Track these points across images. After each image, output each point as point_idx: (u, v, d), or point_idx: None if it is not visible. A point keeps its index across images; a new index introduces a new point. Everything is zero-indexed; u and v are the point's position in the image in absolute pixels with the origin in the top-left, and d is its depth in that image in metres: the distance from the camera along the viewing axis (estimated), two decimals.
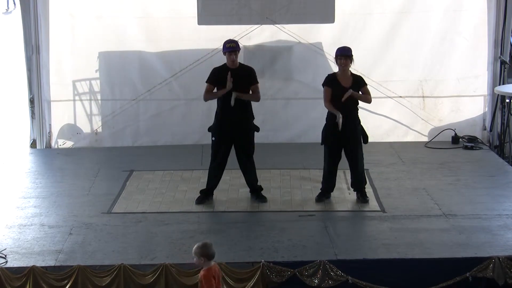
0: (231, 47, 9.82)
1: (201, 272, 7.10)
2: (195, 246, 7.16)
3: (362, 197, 9.99)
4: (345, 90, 9.65)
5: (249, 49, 12.65)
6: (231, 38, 12.27)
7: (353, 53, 9.75)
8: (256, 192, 10.08)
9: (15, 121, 12.97)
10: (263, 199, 10.02)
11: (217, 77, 9.82)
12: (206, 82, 9.91)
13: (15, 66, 12.73)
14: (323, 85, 9.87)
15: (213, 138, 9.97)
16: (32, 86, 12.62)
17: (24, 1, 12.32)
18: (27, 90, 12.71)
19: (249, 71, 9.90)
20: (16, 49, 12.62)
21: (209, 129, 10.03)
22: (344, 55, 9.69)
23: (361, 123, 9.95)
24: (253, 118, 9.98)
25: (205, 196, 10.06)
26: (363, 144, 10.01)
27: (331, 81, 9.81)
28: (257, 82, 9.93)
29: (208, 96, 9.90)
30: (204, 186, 10.13)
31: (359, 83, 9.81)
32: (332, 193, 10.18)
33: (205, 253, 7.07)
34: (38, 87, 12.60)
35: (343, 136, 9.78)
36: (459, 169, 11.39)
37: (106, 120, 12.92)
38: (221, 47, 12.22)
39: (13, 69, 12.78)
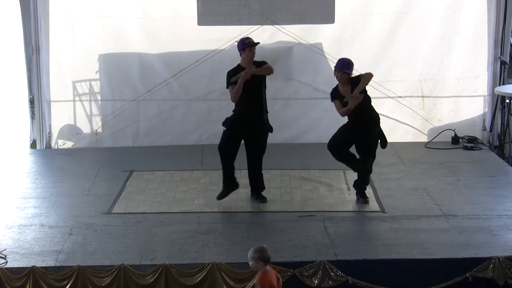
0: (250, 42, 9.72)
1: (258, 276, 7.05)
2: (252, 249, 7.07)
3: (362, 198, 9.98)
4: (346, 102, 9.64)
5: None
6: (232, 38, 12.35)
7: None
8: (257, 192, 10.08)
9: (15, 121, 12.96)
10: (263, 199, 10.02)
11: (233, 77, 9.73)
12: (227, 87, 9.78)
13: (15, 67, 12.72)
14: (332, 100, 9.80)
15: (225, 128, 9.85)
16: (32, 86, 12.64)
17: (24, 2, 12.33)
18: (27, 91, 12.71)
19: (263, 62, 9.82)
20: (16, 49, 12.61)
21: (223, 124, 9.91)
22: (341, 70, 9.63)
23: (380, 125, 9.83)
24: (267, 112, 9.88)
25: (230, 184, 9.91)
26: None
27: (336, 95, 9.76)
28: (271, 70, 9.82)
29: (234, 95, 9.69)
30: (205, 187, 10.12)
31: (356, 83, 9.77)
32: (332, 194, 10.17)
33: (262, 257, 7.01)
34: (38, 87, 12.61)
35: (360, 136, 9.73)
36: (459, 169, 11.39)
37: (106, 121, 12.92)
38: (221, 47, 12.29)
39: (13, 70, 12.76)
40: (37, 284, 7.98)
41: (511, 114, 12.32)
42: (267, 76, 12.69)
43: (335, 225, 9.23)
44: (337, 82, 9.72)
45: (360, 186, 10.00)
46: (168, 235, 8.95)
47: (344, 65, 9.63)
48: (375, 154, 9.91)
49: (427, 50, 12.82)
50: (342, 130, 9.82)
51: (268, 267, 7.06)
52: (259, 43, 9.84)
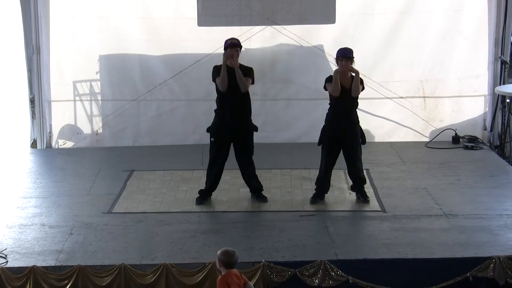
0: (232, 42, 9.80)
1: (218, 278, 7.08)
2: (220, 250, 7.09)
3: (362, 197, 9.97)
4: (344, 90, 9.64)
5: (250, 50, 12.65)
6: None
7: (354, 54, 9.71)
8: (257, 192, 10.08)
9: (15, 121, 12.97)
10: (263, 199, 10.02)
11: (219, 72, 9.79)
12: (213, 81, 9.85)
13: (15, 66, 12.73)
14: (326, 82, 9.81)
15: (212, 139, 9.96)
16: (32, 86, 12.64)
17: (24, 1, 12.33)
18: (27, 90, 12.72)
19: (247, 70, 9.84)
20: (16, 49, 12.62)
21: (208, 130, 10.02)
22: (345, 56, 9.65)
23: (360, 124, 9.94)
24: (250, 114, 9.91)
25: (205, 196, 10.06)
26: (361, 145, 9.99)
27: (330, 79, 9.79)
28: (251, 79, 9.82)
29: (221, 83, 9.71)
30: (204, 186, 10.12)
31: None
32: (332, 193, 10.18)
33: (223, 260, 7.02)
34: (39, 87, 12.62)
35: (343, 137, 9.77)
36: (459, 169, 11.39)
37: (107, 121, 12.92)
38: (222, 48, 12.25)
39: (14, 69, 12.78)
40: (37, 283, 7.98)
41: None
42: (267, 77, 12.77)
43: (335, 224, 9.24)
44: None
45: (359, 186, 9.99)
46: (168, 234, 8.95)
47: (346, 51, 9.66)
48: (361, 158, 9.94)
49: (428, 50, 12.82)
50: (325, 153, 9.89)
51: (232, 271, 7.03)
52: (241, 47, 9.84)
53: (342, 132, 9.75)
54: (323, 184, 9.99)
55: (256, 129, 9.99)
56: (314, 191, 10.03)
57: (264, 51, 12.80)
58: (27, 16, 12.35)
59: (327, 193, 10.06)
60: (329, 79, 9.77)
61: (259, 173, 10.19)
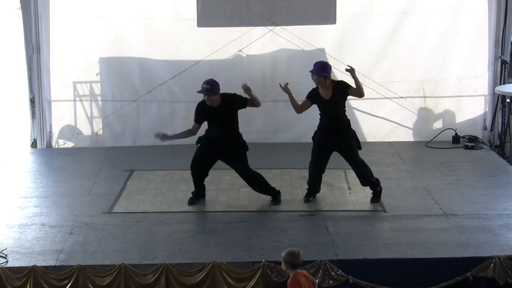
0: (204, 88, 9.53)
1: (289, 279, 7.10)
2: (285, 251, 7.13)
3: (378, 199, 9.92)
4: (325, 102, 9.64)
5: (250, 51, 12.65)
6: (232, 40, 12.32)
7: (329, 69, 9.61)
8: (272, 196, 9.99)
9: (15, 120, 12.98)
10: (276, 202, 9.94)
11: (201, 113, 9.73)
12: (194, 120, 9.82)
13: (15, 66, 12.75)
14: (306, 97, 9.83)
15: (198, 145, 9.89)
16: (32, 86, 12.64)
17: (24, 1, 12.33)
18: (27, 90, 12.72)
19: (232, 99, 9.65)
20: (16, 48, 12.63)
21: (197, 142, 9.95)
22: (317, 74, 9.58)
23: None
24: (241, 135, 9.81)
25: (196, 198, 10.01)
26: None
27: (312, 95, 9.77)
28: (247, 100, 9.68)
29: (189, 134, 9.87)
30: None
31: (341, 89, 9.71)
32: (332, 193, 10.17)
33: (289, 261, 7.06)
34: (39, 87, 12.61)
35: (337, 139, 9.72)
36: (459, 168, 11.39)
37: (107, 122, 12.90)
38: (222, 48, 12.27)
39: (14, 69, 12.80)
40: (37, 283, 7.99)
41: None
42: (268, 79, 12.75)
43: (335, 224, 9.24)
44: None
45: (367, 180, 9.93)
46: (168, 234, 8.95)
47: (320, 68, 9.61)
48: (361, 159, 9.88)
49: (428, 50, 12.81)
50: (313, 157, 9.89)
51: (300, 271, 7.08)
52: (214, 93, 9.53)
53: (333, 139, 9.72)
54: (310, 185, 10.00)
55: (246, 148, 9.80)
56: (307, 190, 10.06)
57: (265, 53, 12.78)
58: (27, 15, 12.35)
59: (318, 192, 10.06)
60: (307, 96, 9.78)
61: (260, 173, 10.15)
